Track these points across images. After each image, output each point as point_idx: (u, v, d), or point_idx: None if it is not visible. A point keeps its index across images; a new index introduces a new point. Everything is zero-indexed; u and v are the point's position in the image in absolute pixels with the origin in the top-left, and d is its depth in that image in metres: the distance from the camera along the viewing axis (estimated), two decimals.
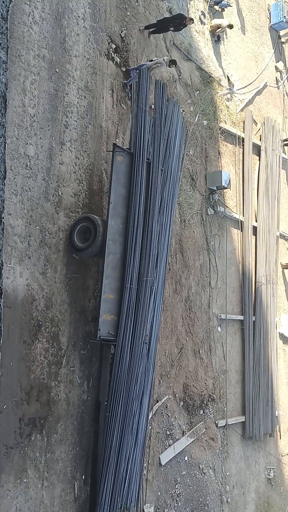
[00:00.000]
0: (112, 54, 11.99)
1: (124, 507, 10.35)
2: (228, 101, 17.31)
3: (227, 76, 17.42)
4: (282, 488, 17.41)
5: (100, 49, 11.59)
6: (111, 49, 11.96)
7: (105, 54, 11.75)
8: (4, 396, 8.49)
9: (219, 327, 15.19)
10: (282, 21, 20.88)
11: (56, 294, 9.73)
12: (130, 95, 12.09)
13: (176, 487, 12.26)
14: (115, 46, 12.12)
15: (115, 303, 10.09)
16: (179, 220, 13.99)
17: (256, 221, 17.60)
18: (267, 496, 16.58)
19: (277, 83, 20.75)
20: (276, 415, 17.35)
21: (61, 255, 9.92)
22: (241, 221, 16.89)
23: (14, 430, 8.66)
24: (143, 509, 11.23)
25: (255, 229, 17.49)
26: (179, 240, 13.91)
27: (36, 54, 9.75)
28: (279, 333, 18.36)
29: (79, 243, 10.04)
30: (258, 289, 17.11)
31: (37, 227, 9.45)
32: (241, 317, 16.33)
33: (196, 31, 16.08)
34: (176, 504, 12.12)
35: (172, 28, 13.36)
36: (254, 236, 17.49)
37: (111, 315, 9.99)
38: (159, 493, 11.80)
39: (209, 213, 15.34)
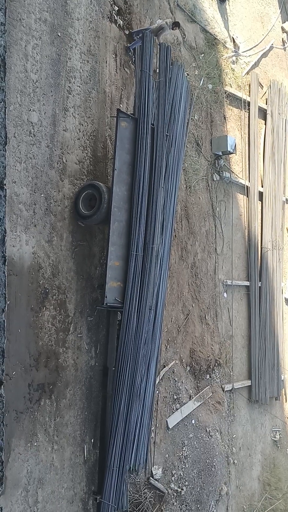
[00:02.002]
0: (115, 16, 11.71)
1: (132, 469, 10.60)
2: (234, 64, 16.96)
3: (233, 38, 17.01)
4: (287, 449, 17.74)
5: (103, 11, 11.32)
6: (113, 11, 11.68)
7: (108, 17, 11.48)
8: (13, 362, 8.61)
9: (225, 293, 15.25)
10: None
11: (63, 261, 9.76)
12: (133, 59, 11.86)
13: (184, 449, 12.50)
14: (117, 8, 11.83)
15: (121, 270, 10.11)
16: (185, 186, 13.89)
17: (262, 187, 17.45)
18: (273, 458, 16.91)
19: (284, 45, 20.25)
20: (282, 379, 17.55)
21: (66, 223, 9.91)
22: (247, 186, 16.75)
23: (24, 396, 8.82)
24: (151, 471, 11.50)
25: (261, 194, 17.35)
26: (185, 206, 13.84)
27: (38, 17, 9.53)
28: (285, 298, 18.42)
29: (84, 210, 10.01)
30: (264, 255, 17.09)
31: (42, 195, 9.42)
32: (247, 283, 16.36)
33: None
34: (183, 466, 12.39)
35: None
36: (260, 202, 17.37)
37: (117, 282, 10.03)
38: (167, 455, 12.05)
39: (215, 179, 15.21)
